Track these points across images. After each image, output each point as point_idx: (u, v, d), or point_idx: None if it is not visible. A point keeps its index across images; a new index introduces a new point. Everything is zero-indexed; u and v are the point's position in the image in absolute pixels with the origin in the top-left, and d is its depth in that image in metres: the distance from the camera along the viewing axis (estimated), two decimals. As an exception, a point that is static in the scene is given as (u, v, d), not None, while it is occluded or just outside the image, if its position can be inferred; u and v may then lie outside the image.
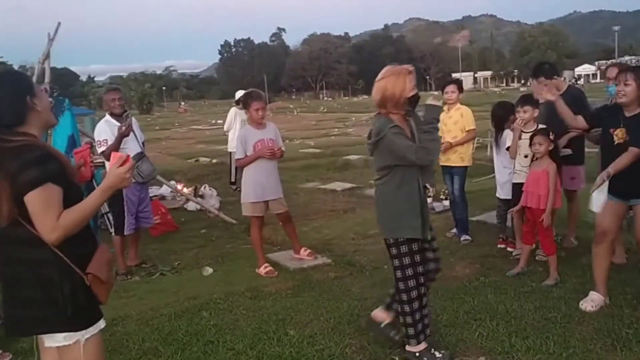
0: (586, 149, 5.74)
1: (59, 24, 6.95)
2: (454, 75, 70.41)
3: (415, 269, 3.50)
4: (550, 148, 4.88)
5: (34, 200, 2.12)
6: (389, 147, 3.40)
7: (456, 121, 6.10)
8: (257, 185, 5.41)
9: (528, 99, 5.34)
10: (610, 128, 4.06)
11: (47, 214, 2.13)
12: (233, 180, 10.18)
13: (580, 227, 6.06)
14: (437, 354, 3.49)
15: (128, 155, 2.34)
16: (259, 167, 5.40)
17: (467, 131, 6.10)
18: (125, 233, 5.83)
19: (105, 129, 5.71)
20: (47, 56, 6.87)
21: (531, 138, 4.99)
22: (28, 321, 2.26)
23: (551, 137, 4.89)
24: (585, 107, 5.47)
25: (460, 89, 6.23)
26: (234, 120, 10.00)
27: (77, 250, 2.24)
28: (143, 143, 6.10)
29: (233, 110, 10.18)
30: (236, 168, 9.88)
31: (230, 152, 9.93)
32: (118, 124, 5.63)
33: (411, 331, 3.53)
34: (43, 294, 2.20)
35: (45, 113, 2.35)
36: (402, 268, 3.49)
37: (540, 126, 5.11)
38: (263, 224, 5.73)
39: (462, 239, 6.15)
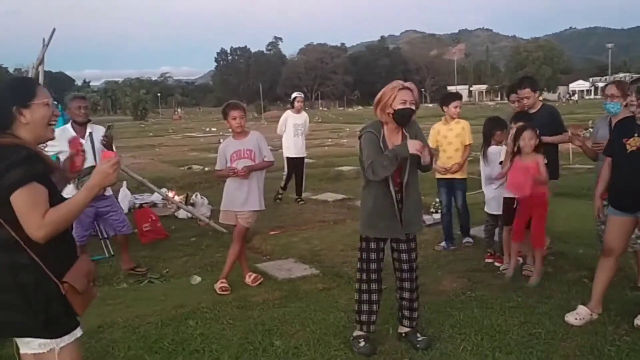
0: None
1: (54, 29, 6.99)
2: (449, 88, 70.69)
3: (368, 265, 3.96)
4: (537, 143, 4.99)
5: (19, 199, 2.13)
6: (360, 147, 3.86)
7: (458, 134, 6.27)
8: (227, 195, 5.31)
9: (521, 116, 5.39)
10: (623, 138, 4.06)
11: (33, 213, 2.14)
12: (283, 184, 9.92)
13: (569, 242, 6.13)
14: (361, 343, 3.89)
15: (115, 153, 2.38)
16: (233, 178, 5.23)
17: (466, 145, 6.24)
18: None
19: (58, 136, 5.66)
20: (41, 61, 6.90)
21: (519, 133, 5.05)
22: (4, 324, 2.27)
23: (537, 132, 5.00)
24: (560, 124, 5.60)
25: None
26: (286, 124, 9.75)
27: (56, 258, 2.25)
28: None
29: (286, 113, 10.01)
30: (289, 177, 9.79)
31: (286, 158, 9.79)
32: (74, 133, 5.47)
33: (355, 316, 4.03)
34: (18, 298, 2.21)
35: (35, 127, 2.32)
36: (359, 260, 4.03)
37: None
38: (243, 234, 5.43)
39: (464, 241, 6.47)
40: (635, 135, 3.98)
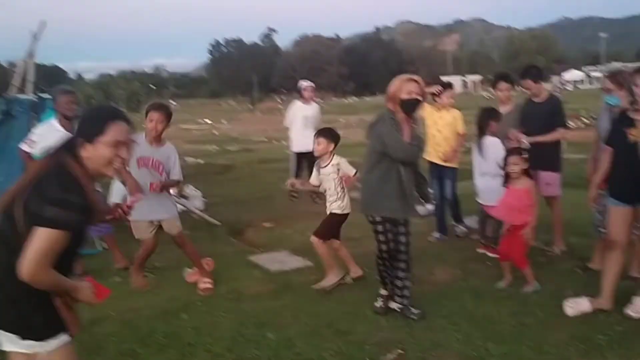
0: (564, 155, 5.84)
1: (44, 23, 6.94)
2: (443, 78, 70.54)
3: (380, 246, 4.30)
4: (525, 167, 4.87)
5: (39, 236, 2.07)
6: (381, 135, 4.09)
7: (449, 122, 6.27)
8: (142, 202, 4.79)
9: (324, 132, 5.19)
10: (625, 128, 4.04)
11: (44, 257, 2.08)
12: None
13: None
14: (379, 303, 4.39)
15: (106, 293, 2.41)
16: (145, 183, 4.80)
17: (460, 134, 6.24)
18: None
19: (44, 133, 5.52)
20: (31, 55, 6.85)
21: (506, 158, 5.00)
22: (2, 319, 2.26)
23: (524, 155, 4.90)
24: (562, 116, 5.57)
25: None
26: (295, 115, 9.08)
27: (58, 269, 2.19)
28: None
29: (294, 104, 9.31)
30: (296, 173, 9.11)
31: (294, 153, 9.19)
32: (62, 129, 5.35)
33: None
34: (9, 296, 2.20)
35: (93, 163, 2.24)
36: (380, 242, 4.32)
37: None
38: (153, 246, 5.24)
39: (458, 232, 6.53)
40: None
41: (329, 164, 5.06)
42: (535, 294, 4.59)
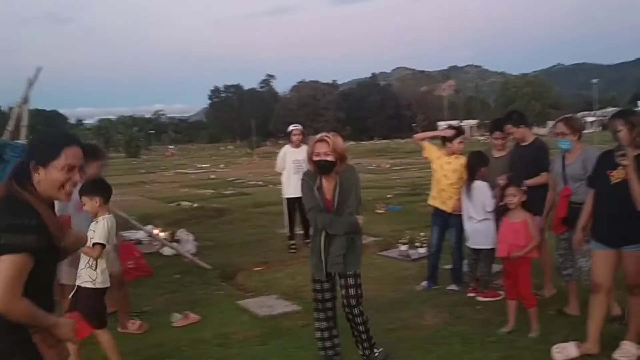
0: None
1: (40, 68, 7.06)
2: (439, 123, 71.31)
3: (315, 296, 4.26)
4: (523, 200, 4.85)
5: (4, 264, 2.08)
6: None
7: (455, 169, 6.07)
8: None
9: (86, 188, 4.17)
10: (607, 170, 4.05)
11: (12, 284, 2.07)
12: (289, 233, 8.87)
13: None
14: None
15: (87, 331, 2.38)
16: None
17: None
18: None
19: None
20: (25, 100, 6.95)
21: (504, 188, 5.01)
22: None
23: (524, 188, 4.90)
24: (544, 160, 5.61)
25: None
26: (285, 160, 8.83)
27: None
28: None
29: (284, 148, 9.07)
30: (291, 221, 8.86)
31: (286, 199, 8.90)
32: None
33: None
34: None
35: (45, 187, 2.23)
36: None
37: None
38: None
39: (449, 288, 6.10)
40: (620, 167, 3.95)
41: (95, 221, 4.20)
42: (523, 338, 4.56)
